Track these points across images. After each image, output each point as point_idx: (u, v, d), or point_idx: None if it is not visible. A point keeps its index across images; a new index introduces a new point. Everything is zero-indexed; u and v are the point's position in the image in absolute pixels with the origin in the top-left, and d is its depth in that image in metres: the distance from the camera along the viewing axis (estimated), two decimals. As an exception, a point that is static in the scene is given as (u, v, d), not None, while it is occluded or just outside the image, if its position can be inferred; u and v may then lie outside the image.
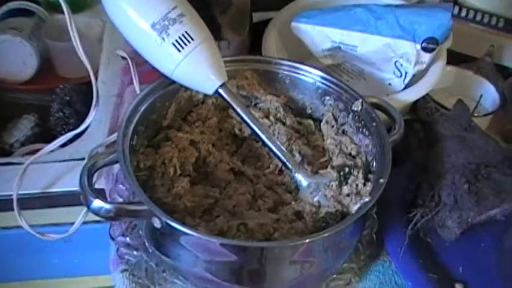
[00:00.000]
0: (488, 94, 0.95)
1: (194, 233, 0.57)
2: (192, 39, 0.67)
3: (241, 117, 0.70)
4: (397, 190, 0.77)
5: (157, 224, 0.58)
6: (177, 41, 0.66)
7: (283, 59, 0.79)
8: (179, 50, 0.66)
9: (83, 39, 1.18)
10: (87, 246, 0.94)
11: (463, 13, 1.09)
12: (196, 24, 0.68)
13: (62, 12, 1.19)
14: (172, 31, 0.66)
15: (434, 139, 0.79)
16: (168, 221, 0.56)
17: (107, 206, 0.59)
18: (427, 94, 0.87)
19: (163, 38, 0.66)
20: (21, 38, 1.12)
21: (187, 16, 0.67)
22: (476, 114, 0.89)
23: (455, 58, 0.96)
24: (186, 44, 0.66)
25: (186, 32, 0.67)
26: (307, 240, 0.60)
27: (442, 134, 0.79)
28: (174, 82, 0.71)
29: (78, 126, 0.92)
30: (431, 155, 0.77)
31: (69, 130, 1.11)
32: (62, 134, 1.12)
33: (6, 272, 0.99)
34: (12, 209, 0.82)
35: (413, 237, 0.72)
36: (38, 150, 0.92)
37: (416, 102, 0.88)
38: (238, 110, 0.70)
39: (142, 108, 0.70)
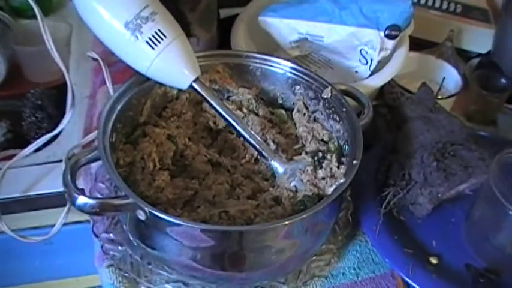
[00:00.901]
0: (451, 77, 0.99)
1: (180, 222, 0.59)
2: (165, 36, 0.68)
3: (216, 110, 0.72)
4: (369, 172, 0.80)
5: (142, 216, 0.60)
6: (150, 38, 0.68)
7: (254, 52, 0.81)
8: (153, 48, 0.68)
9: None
10: (68, 248, 0.95)
11: (423, 0, 1.13)
12: (168, 21, 0.70)
13: (27, 17, 1.21)
14: (145, 29, 0.67)
15: (402, 121, 0.82)
16: (154, 212, 0.58)
17: (92, 201, 0.60)
18: (392, 79, 0.90)
19: (136, 37, 0.67)
20: (-13, 45, 1.11)
21: (159, 14, 0.69)
22: (440, 97, 0.93)
23: (417, 44, 0.99)
24: (159, 41, 0.68)
25: (158, 30, 0.68)
26: (286, 222, 0.62)
27: (409, 116, 0.82)
28: (148, 79, 0.73)
29: (51, 129, 0.93)
30: (400, 136, 0.81)
31: (42, 134, 1.11)
32: (35, 139, 1.11)
33: (-13, 279, 0.99)
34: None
35: (387, 215, 0.75)
36: (12, 156, 0.92)
37: (382, 87, 0.90)
38: (213, 103, 0.72)
39: (119, 106, 0.71)
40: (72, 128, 0.94)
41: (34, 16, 1.22)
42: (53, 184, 0.88)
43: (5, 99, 1.19)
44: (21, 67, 1.19)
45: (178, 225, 0.59)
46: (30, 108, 1.12)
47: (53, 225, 0.85)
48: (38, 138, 1.10)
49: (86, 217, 0.91)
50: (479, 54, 1.10)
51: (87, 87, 1.03)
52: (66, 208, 0.84)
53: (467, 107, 0.99)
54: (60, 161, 0.90)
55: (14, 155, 0.90)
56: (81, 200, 0.60)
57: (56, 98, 1.15)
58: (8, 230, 0.82)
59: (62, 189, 0.86)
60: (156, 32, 0.68)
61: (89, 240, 0.83)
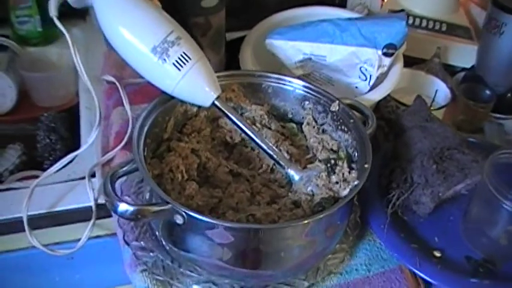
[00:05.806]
0: (440, 90, 1.06)
1: (219, 222, 0.65)
2: (190, 58, 0.75)
3: (236, 124, 0.79)
4: (372, 179, 0.86)
5: (179, 220, 0.66)
6: (176, 61, 0.74)
7: (265, 71, 0.88)
8: (179, 69, 0.75)
9: (56, 69, 1.25)
10: (88, 262, 1.00)
11: (411, 21, 1.21)
12: (191, 45, 0.77)
13: (32, 45, 1.27)
14: (171, 53, 0.74)
15: (400, 131, 0.90)
16: (193, 215, 0.64)
17: (132, 208, 0.66)
18: (388, 94, 0.97)
19: (164, 60, 0.74)
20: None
21: (183, 39, 0.76)
22: (432, 108, 1.00)
23: (407, 61, 1.06)
24: (184, 63, 0.75)
25: (184, 53, 0.75)
26: (305, 221, 0.69)
27: (407, 125, 0.89)
28: (172, 98, 0.79)
29: (65, 151, 0.98)
30: (400, 144, 0.88)
31: (57, 155, 1.17)
32: (49, 160, 1.17)
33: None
34: (21, 231, 0.88)
35: (393, 215, 0.82)
36: (29, 177, 0.97)
37: (378, 102, 0.98)
38: (234, 118, 0.78)
39: (148, 123, 0.77)
40: (89, 148, 1.00)
41: (39, 44, 1.30)
42: (76, 200, 0.94)
43: (17, 123, 1.24)
44: (28, 92, 1.24)
45: (215, 226, 0.65)
46: (44, 131, 1.17)
47: (74, 240, 0.90)
48: (52, 160, 1.15)
49: (107, 231, 0.97)
50: (464, 69, 1.18)
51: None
52: (91, 222, 0.89)
53: (456, 117, 1.08)
54: (81, 178, 0.95)
55: (32, 176, 0.95)
56: (123, 207, 0.66)
57: (68, 120, 1.21)
58: (39, 245, 0.87)
59: (85, 204, 0.93)
60: (181, 55, 0.75)
61: (108, 254, 0.88)
